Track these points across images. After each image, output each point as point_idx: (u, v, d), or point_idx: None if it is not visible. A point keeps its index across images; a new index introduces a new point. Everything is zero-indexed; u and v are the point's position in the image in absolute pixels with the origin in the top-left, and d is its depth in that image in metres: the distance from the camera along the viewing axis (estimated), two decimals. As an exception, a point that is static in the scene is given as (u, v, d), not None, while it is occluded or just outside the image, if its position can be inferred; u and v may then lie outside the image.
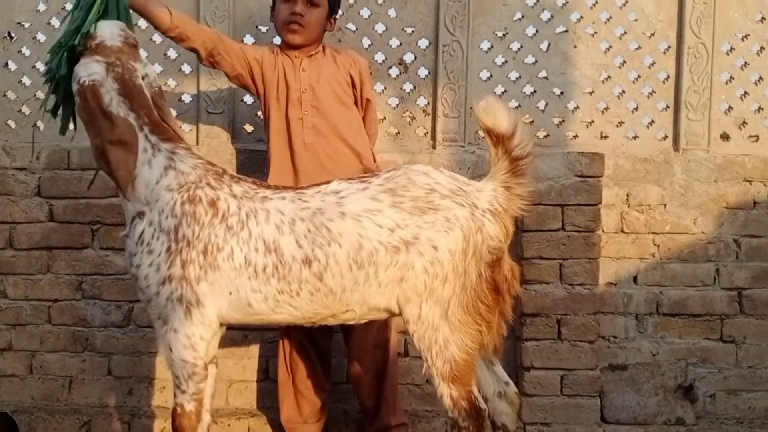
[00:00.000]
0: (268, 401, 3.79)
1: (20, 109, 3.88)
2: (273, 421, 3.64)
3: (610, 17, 3.96)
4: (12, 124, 3.91)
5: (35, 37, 3.84)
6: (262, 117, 3.52)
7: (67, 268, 3.83)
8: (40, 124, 3.88)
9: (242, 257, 2.50)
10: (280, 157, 3.30)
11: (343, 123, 3.35)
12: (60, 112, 2.83)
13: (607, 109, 3.97)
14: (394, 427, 3.44)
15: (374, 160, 3.44)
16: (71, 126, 2.87)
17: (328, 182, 2.64)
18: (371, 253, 2.46)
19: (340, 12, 3.62)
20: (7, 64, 3.87)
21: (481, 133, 2.76)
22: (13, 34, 3.86)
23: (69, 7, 3.00)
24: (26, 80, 3.86)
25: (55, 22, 3.79)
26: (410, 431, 3.66)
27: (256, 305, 2.55)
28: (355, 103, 3.46)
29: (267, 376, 3.84)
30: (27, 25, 3.86)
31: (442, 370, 2.52)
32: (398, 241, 2.46)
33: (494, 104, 2.53)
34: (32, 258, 3.83)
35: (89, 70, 2.53)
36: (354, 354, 3.39)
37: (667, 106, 3.98)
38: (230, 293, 2.52)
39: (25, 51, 3.86)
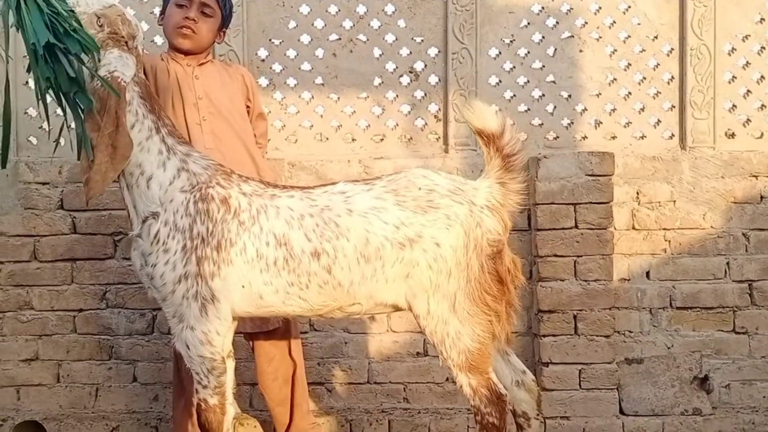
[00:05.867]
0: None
1: (41, 126, 3.97)
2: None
3: (614, 22, 4.08)
4: (34, 140, 4.01)
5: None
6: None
7: (91, 278, 3.91)
8: (61, 140, 3.95)
9: (254, 251, 2.55)
10: None
11: (243, 131, 3.36)
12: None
13: (614, 110, 4.08)
14: (309, 429, 3.44)
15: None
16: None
17: (334, 183, 2.72)
18: (378, 248, 2.53)
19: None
20: (27, 82, 3.95)
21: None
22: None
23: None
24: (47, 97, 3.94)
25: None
26: (434, 427, 3.73)
27: (267, 298, 2.59)
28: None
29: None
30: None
31: (458, 361, 2.58)
32: (403, 238, 2.53)
33: (481, 107, 2.63)
34: (57, 269, 3.91)
35: (127, 68, 2.55)
36: (260, 361, 3.36)
37: (673, 106, 4.09)
38: (243, 287, 2.57)
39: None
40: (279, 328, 3.29)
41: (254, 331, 3.26)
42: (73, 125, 2.63)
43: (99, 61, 2.56)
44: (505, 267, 2.62)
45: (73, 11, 2.54)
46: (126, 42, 2.60)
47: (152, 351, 3.90)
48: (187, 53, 3.29)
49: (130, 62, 2.58)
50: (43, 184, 3.90)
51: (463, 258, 2.54)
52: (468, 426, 3.73)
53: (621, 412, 3.82)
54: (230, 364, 2.67)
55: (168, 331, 3.69)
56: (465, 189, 2.63)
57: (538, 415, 2.84)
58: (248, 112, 3.47)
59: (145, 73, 3.07)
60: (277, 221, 2.58)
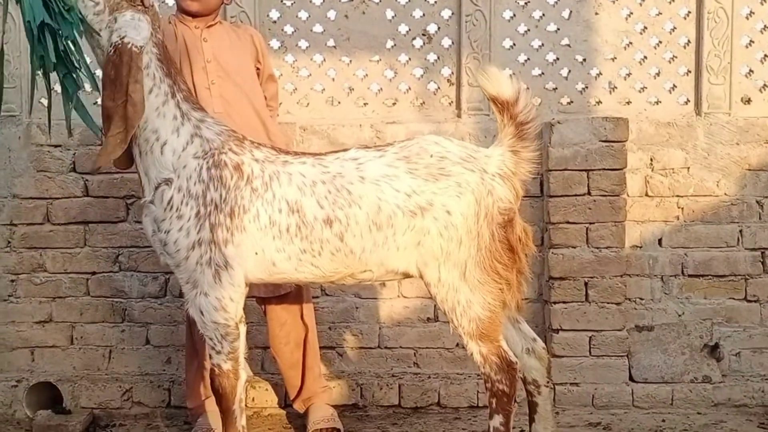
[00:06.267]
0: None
1: (53, 87, 3.94)
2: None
3: (631, -16, 4.01)
4: (45, 102, 3.98)
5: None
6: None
7: (104, 241, 3.92)
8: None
9: (267, 218, 2.56)
10: None
11: (253, 94, 3.35)
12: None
13: (629, 74, 4.03)
14: (321, 392, 3.50)
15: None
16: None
17: (345, 149, 2.72)
18: (390, 215, 2.53)
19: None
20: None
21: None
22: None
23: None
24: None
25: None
26: (444, 392, 3.76)
27: (279, 264, 2.61)
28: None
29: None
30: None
31: (469, 329, 2.59)
32: (414, 206, 2.53)
33: (496, 73, 2.60)
34: (69, 232, 3.92)
35: (141, 31, 2.51)
36: (272, 325, 3.40)
37: (689, 71, 4.03)
38: (256, 253, 2.58)
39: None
40: (291, 293, 3.32)
41: (266, 296, 3.28)
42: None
43: (97, 35, 2.55)
44: (516, 235, 2.62)
45: None
46: (141, 1, 2.56)
47: (165, 314, 3.93)
48: (195, 15, 3.27)
49: (144, 24, 2.54)
50: (55, 146, 3.89)
51: (474, 226, 2.54)
52: (478, 391, 3.75)
53: (631, 379, 3.83)
54: (242, 329, 2.69)
55: (180, 294, 3.75)
56: (477, 156, 2.61)
57: (548, 382, 2.86)
58: (258, 75, 3.45)
59: None
60: (289, 188, 2.58)
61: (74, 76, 2.60)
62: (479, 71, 2.71)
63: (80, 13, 2.52)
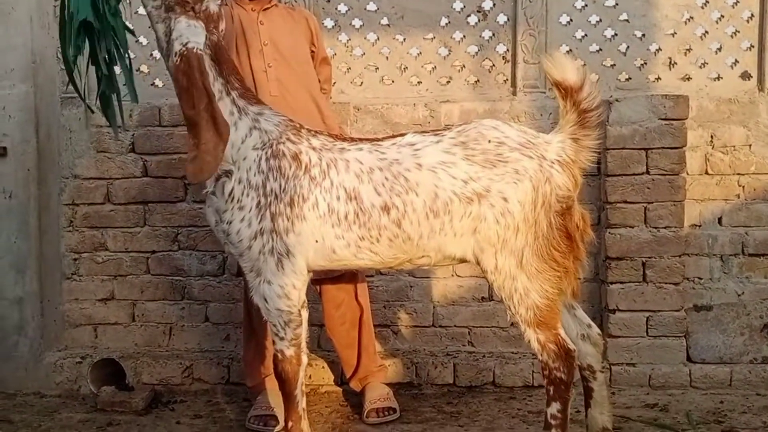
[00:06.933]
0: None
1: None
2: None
3: (693, -44, 3.90)
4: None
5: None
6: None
7: (163, 220, 4.00)
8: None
9: (326, 206, 2.58)
10: None
11: (308, 77, 3.36)
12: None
13: (689, 50, 3.94)
14: (376, 371, 3.53)
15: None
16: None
17: (402, 134, 2.71)
18: (446, 202, 2.53)
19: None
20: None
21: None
22: None
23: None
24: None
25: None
26: (498, 372, 3.77)
27: (339, 251, 2.63)
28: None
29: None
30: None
31: (526, 316, 2.58)
32: (471, 192, 2.52)
33: (562, 58, 2.57)
34: (129, 212, 4.00)
35: (198, 36, 2.52)
36: (328, 306, 3.43)
37: (752, 46, 3.92)
38: (316, 241, 2.61)
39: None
40: (345, 274, 3.34)
41: (321, 277, 3.31)
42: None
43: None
44: (574, 223, 2.60)
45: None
46: (192, 7, 2.57)
47: (223, 292, 4.00)
48: None
49: (199, 29, 2.55)
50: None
51: (531, 214, 2.53)
52: (533, 371, 3.75)
53: (688, 359, 3.80)
54: (304, 315, 2.73)
55: (238, 272, 3.81)
56: (536, 143, 2.59)
57: (603, 367, 2.85)
58: (312, 57, 3.46)
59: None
60: (347, 175, 2.60)
61: (112, 79, 2.67)
62: (545, 56, 2.67)
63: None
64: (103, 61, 2.64)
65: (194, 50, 2.47)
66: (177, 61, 2.48)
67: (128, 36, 2.81)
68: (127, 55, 2.76)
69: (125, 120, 3.03)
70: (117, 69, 2.77)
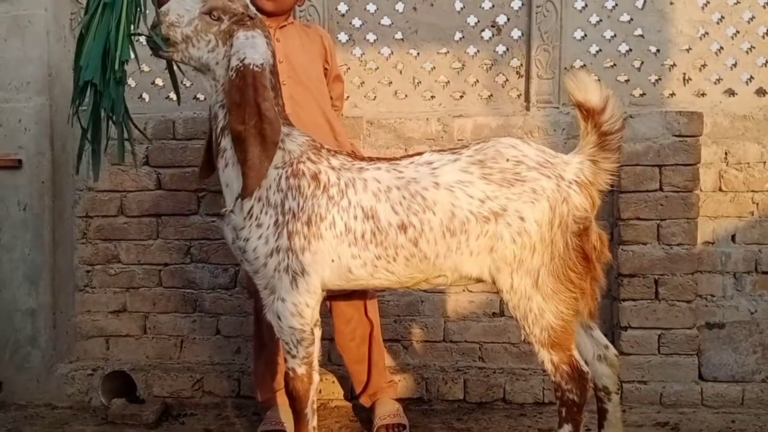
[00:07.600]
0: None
1: (126, 83, 4.01)
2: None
3: (707, -28, 3.89)
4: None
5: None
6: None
7: (176, 233, 4.01)
8: (145, 95, 4.05)
9: (342, 225, 2.57)
10: None
11: (321, 94, 3.37)
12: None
13: (704, 66, 3.92)
14: (386, 387, 3.52)
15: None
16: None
17: (419, 153, 2.70)
18: (463, 221, 2.52)
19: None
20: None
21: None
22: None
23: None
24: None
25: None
26: (509, 388, 3.76)
27: (355, 271, 2.62)
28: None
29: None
30: None
31: (540, 337, 2.57)
32: (488, 211, 2.51)
33: (585, 78, 2.55)
34: (143, 224, 4.02)
35: (258, 48, 2.53)
36: (338, 322, 3.43)
37: (767, 62, 3.90)
38: (332, 260, 2.60)
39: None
40: (356, 291, 3.34)
41: (333, 293, 3.31)
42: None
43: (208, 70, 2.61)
44: (592, 244, 2.58)
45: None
46: (248, 16, 2.58)
47: (234, 305, 4.01)
48: (270, 15, 3.28)
49: (258, 39, 2.56)
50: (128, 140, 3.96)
51: (548, 234, 2.51)
52: (543, 387, 3.74)
53: (700, 377, 3.78)
54: (317, 333, 2.72)
55: (249, 294, 3.80)
56: (554, 162, 2.58)
57: (618, 389, 2.83)
58: (325, 74, 3.47)
59: None
60: (364, 194, 2.59)
61: (105, 132, 2.73)
62: (568, 75, 2.65)
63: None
64: (99, 118, 2.67)
65: (250, 66, 2.48)
66: (233, 76, 2.50)
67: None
68: (122, 120, 2.73)
69: (136, 155, 3.04)
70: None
